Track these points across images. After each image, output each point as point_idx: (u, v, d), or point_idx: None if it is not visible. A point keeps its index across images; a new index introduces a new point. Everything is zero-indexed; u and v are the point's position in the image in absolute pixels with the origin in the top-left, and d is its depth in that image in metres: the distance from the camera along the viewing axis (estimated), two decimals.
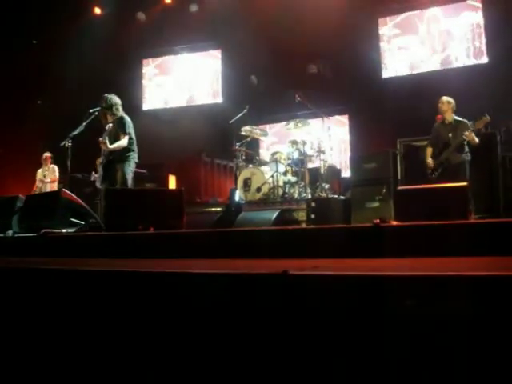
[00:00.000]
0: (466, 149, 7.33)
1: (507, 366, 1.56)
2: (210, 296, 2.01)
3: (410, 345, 1.67)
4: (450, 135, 7.36)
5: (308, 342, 1.80)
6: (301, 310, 1.83)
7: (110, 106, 7.23)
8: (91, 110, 7.22)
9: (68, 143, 7.02)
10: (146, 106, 13.36)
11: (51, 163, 10.49)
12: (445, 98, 7.56)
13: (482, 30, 10.15)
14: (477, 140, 7.22)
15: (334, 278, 1.82)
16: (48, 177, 10.31)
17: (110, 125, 7.15)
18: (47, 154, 10.45)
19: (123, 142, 7.04)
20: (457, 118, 7.49)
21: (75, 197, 5.94)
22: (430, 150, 7.64)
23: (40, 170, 10.53)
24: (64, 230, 5.32)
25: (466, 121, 7.33)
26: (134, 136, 7.18)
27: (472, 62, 10.23)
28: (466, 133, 7.13)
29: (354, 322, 1.72)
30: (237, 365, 1.94)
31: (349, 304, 1.74)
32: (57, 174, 10.27)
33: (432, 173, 7.47)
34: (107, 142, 6.96)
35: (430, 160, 7.54)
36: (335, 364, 1.74)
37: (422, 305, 1.69)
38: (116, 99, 7.30)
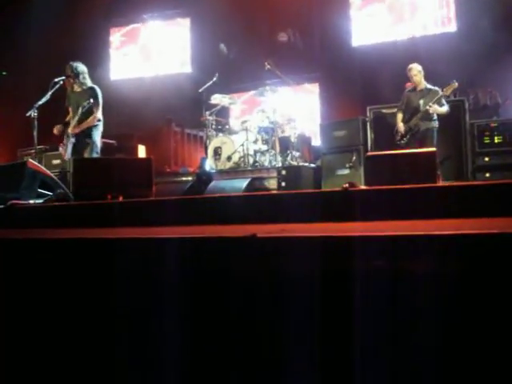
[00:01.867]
0: (435, 116, 7.42)
1: (471, 321, 1.59)
2: (178, 260, 2.00)
3: (378, 303, 1.69)
4: (421, 102, 7.42)
5: (276, 304, 1.81)
6: (269, 271, 1.83)
7: (76, 75, 7.13)
8: (56, 79, 7.11)
9: (34, 113, 6.91)
10: (114, 75, 13.14)
11: None
12: (416, 68, 7.59)
13: None
14: (442, 110, 7.36)
15: (300, 239, 1.82)
16: None
17: (77, 90, 7.08)
18: None
19: (98, 113, 7.01)
20: (428, 85, 7.56)
21: (42, 167, 5.84)
22: (400, 116, 7.71)
23: None
24: (31, 201, 5.24)
25: (437, 88, 7.42)
26: None
27: (440, 30, 10.24)
28: (430, 104, 7.25)
29: (321, 283, 1.72)
30: (209, 328, 1.94)
31: (316, 265, 1.74)
32: None
33: (401, 138, 7.54)
34: (75, 123, 6.92)
35: (401, 124, 7.61)
36: (304, 323, 1.75)
37: (390, 264, 1.70)
38: (82, 67, 7.20)
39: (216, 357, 1.92)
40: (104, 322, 2.22)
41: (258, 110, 9.24)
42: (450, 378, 1.62)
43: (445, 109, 7.39)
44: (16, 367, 2.50)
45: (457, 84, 7.19)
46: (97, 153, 7.03)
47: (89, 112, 6.98)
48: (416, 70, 7.60)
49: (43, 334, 2.43)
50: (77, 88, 7.18)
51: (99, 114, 7.02)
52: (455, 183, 5.07)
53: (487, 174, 7.83)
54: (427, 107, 7.28)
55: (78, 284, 2.37)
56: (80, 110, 6.87)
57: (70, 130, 6.97)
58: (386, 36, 10.69)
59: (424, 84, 7.60)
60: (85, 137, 7.01)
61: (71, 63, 7.19)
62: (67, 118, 7.26)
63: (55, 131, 7.19)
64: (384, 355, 1.66)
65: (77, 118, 6.92)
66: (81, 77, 7.14)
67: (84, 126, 6.94)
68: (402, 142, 7.52)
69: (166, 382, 2.06)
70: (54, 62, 10.39)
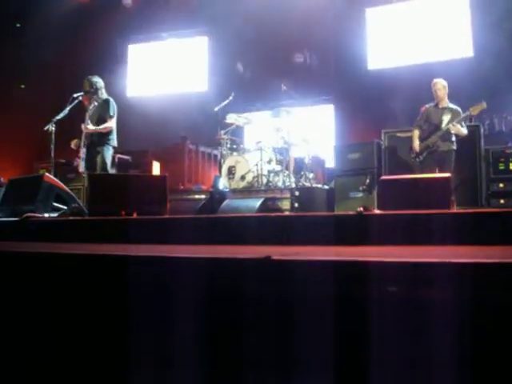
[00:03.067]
0: (454, 137, 7.25)
1: (485, 348, 1.58)
2: (191, 280, 2.01)
3: (394, 329, 1.69)
4: (444, 119, 7.23)
5: (289, 327, 1.81)
6: (283, 294, 1.83)
7: (95, 90, 7.22)
8: (75, 95, 7.20)
9: (52, 127, 7.00)
10: (131, 92, 13.26)
11: None
12: (440, 83, 7.41)
13: (469, 23, 10.17)
14: (464, 131, 7.19)
15: (315, 263, 1.83)
16: None
17: (95, 104, 7.16)
18: None
19: (110, 123, 7.09)
20: (451, 104, 7.38)
21: (58, 181, 5.90)
22: (417, 133, 7.49)
23: None
24: (46, 215, 5.29)
25: (459, 109, 7.25)
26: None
27: (457, 55, 10.25)
28: (451, 125, 7.08)
29: (334, 307, 1.73)
30: (221, 350, 1.95)
31: (330, 289, 1.74)
32: None
33: (416, 156, 7.36)
34: (89, 124, 6.98)
35: (417, 142, 7.39)
36: (317, 347, 1.75)
37: (404, 290, 1.70)
38: (100, 82, 7.30)
39: (228, 378, 1.92)
40: (115, 339, 2.23)
41: (274, 129, 9.26)
42: None
43: (465, 131, 7.22)
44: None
45: (485, 105, 7.00)
46: (104, 170, 7.06)
47: (101, 122, 7.08)
48: (441, 84, 7.39)
49: (52, 350, 2.43)
50: (94, 102, 7.26)
51: (112, 125, 7.10)
52: (470, 210, 5.05)
53: (502, 201, 7.78)
54: (450, 125, 7.09)
55: (90, 300, 2.38)
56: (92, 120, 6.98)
57: (83, 129, 7.01)
58: (403, 60, 10.71)
59: (447, 102, 7.39)
60: (95, 149, 7.08)
61: (89, 78, 7.29)
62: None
63: (72, 145, 7.27)
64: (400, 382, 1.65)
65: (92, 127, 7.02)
66: (99, 92, 7.24)
67: (98, 128, 7.01)
68: (418, 159, 7.33)
69: None
70: (71, 75, 10.55)
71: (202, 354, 1.98)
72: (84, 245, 3.30)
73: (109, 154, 7.16)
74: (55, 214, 5.47)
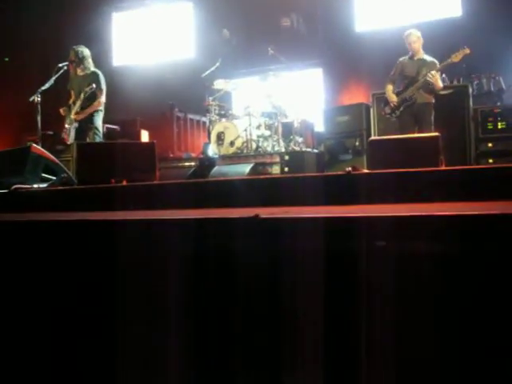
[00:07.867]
0: (432, 90, 7.10)
1: (466, 300, 1.60)
2: (181, 240, 2.02)
3: (380, 282, 1.70)
4: (420, 70, 7.07)
5: (278, 283, 1.83)
6: (272, 251, 1.85)
7: (80, 59, 7.18)
8: (60, 65, 7.15)
9: (37, 98, 6.95)
10: (117, 61, 13.10)
11: None
12: (415, 34, 7.23)
13: None
14: (440, 84, 6.96)
15: (303, 220, 1.84)
16: None
17: (81, 74, 7.13)
18: None
19: (102, 98, 7.07)
20: (426, 55, 7.22)
21: (46, 152, 5.86)
22: (390, 87, 7.35)
23: None
24: (35, 186, 5.26)
25: (435, 61, 7.08)
26: None
27: (445, 15, 10.17)
28: (433, 72, 6.84)
29: (324, 263, 1.74)
30: (212, 308, 1.96)
31: (319, 245, 1.75)
32: None
33: (393, 111, 7.19)
34: (78, 109, 6.99)
35: (393, 95, 7.21)
36: (307, 302, 1.77)
37: (392, 244, 1.71)
38: (86, 51, 7.26)
39: (217, 338, 1.94)
40: (107, 302, 2.24)
41: (263, 94, 9.23)
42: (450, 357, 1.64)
43: (441, 84, 6.99)
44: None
45: (468, 50, 6.76)
46: (100, 137, 7.09)
47: (91, 97, 7.03)
48: (415, 36, 7.19)
49: (43, 318, 2.44)
50: (80, 72, 7.22)
51: (103, 99, 7.08)
52: (458, 167, 5.07)
53: (490, 160, 7.81)
54: (428, 75, 6.82)
55: (82, 265, 2.38)
56: (82, 96, 6.91)
57: (72, 116, 7.00)
58: (390, 21, 10.61)
59: (422, 53, 7.20)
60: (87, 122, 7.07)
61: (75, 48, 7.23)
62: (70, 101, 7.29)
63: (62, 112, 7.24)
64: (388, 333, 1.68)
65: (79, 103, 6.97)
66: (85, 61, 7.19)
67: (89, 110, 7.01)
68: (394, 114, 7.15)
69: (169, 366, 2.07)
70: (55, 46, 10.40)
71: (190, 318, 2.00)
72: (74, 213, 3.29)
73: (99, 123, 7.17)
74: (44, 185, 5.44)
